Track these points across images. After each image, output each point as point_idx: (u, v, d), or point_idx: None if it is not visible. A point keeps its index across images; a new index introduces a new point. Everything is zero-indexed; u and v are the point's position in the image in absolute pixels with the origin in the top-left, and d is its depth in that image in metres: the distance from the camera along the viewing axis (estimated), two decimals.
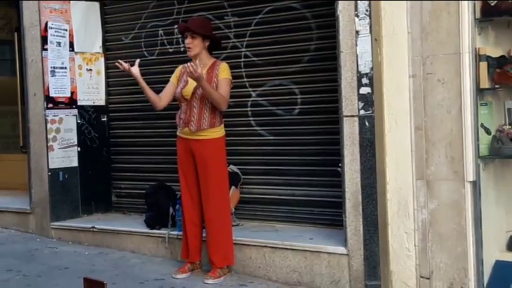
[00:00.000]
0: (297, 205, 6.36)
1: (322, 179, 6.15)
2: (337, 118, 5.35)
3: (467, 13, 4.75)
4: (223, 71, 5.68)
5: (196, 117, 5.63)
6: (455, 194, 4.86)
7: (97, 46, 7.68)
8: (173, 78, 5.91)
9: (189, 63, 5.40)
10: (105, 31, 7.73)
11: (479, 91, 4.79)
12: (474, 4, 4.75)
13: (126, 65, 5.76)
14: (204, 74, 5.62)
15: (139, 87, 7.18)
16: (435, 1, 4.87)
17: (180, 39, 6.74)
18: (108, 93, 7.72)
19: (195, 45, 5.67)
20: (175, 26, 6.74)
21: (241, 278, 5.78)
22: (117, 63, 5.87)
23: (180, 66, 5.91)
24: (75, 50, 7.48)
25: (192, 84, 5.64)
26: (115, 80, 7.71)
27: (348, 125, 5.21)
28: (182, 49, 5.93)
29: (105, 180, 7.76)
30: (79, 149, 7.50)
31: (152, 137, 7.39)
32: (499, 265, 4.95)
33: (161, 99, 5.88)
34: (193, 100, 5.64)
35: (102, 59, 7.71)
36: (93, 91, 7.63)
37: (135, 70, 5.81)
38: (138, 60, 5.87)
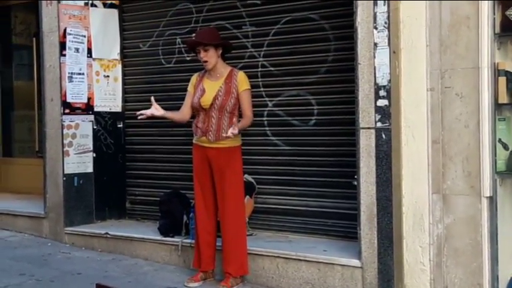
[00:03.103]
0: (311, 216, 6.34)
1: (336, 191, 6.13)
2: (354, 130, 5.33)
3: (486, 27, 4.73)
4: (243, 82, 5.68)
5: (215, 127, 5.62)
6: (472, 209, 4.84)
7: (115, 53, 7.71)
8: (190, 87, 5.89)
9: (229, 133, 5.47)
10: (123, 38, 7.75)
11: (497, 106, 4.77)
12: (494, 19, 4.73)
13: (148, 112, 5.76)
14: (221, 83, 5.63)
15: (156, 95, 7.23)
16: (454, 15, 4.85)
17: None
18: (124, 100, 7.75)
19: (210, 57, 5.67)
20: (193, 35, 6.74)
21: None
22: (139, 116, 5.81)
23: (195, 75, 5.92)
24: (93, 56, 7.51)
25: (210, 93, 5.64)
26: (132, 86, 7.74)
27: (364, 137, 5.19)
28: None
29: (119, 186, 7.77)
30: (94, 154, 7.52)
31: (168, 145, 7.40)
32: None
33: (184, 114, 5.90)
34: (212, 110, 5.63)
35: (119, 66, 7.73)
36: (109, 97, 7.65)
37: (158, 112, 5.77)
38: (153, 98, 5.80)
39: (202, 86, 5.72)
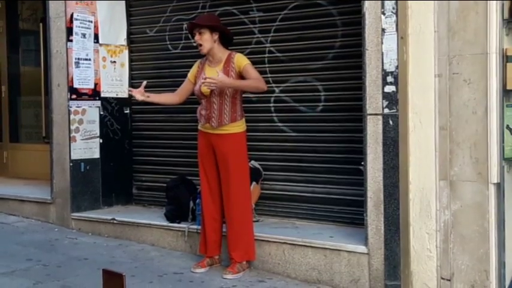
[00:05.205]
0: (317, 202, 6.34)
1: (343, 177, 6.12)
2: (361, 116, 5.31)
3: (495, 13, 4.70)
4: (240, 60, 5.66)
5: (217, 113, 5.62)
6: (479, 196, 4.82)
7: (121, 38, 7.69)
8: (190, 75, 5.92)
9: (207, 80, 5.46)
10: (130, 24, 7.73)
11: (505, 92, 4.75)
12: (502, 4, 4.70)
13: (133, 93, 5.87)
14: (220, 69, 5.62)
15: (163, 81, 7.23)
16: (463, 1, 4.83)
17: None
18: (131, 86, 7.69)
19: (204, 40, 5.67)
20: None
21: (260, 274, 5.78)
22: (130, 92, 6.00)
23: (197, 62, 5.92)
24: (100, 41, 7.50)
25: None
26: (139, 72, 7.72)
27: (371, 123, 5.17)
28: None
29: (126, 172, 7.78)
30: (101, 140, 7.53)
31: (174, 131, 7.39)
32: None
33: (179, 96, 5.98)
34: (213, 96, 5.63)
35: (126, 52, 7.72)
36: (116, 83, 7.65)
37: (140, 96, 5.83)
38: (144, 82, 5.91)
39: (204, 73, 5.71)
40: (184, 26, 7.15)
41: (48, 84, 7.70)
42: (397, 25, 5.03)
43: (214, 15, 6.19)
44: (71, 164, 7.34)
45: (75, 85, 7.32)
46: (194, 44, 6.80)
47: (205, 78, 5.52)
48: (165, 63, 7.45)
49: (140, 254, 6.40)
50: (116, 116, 7.67)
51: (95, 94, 7.48)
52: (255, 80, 5.63)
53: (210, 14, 6.52)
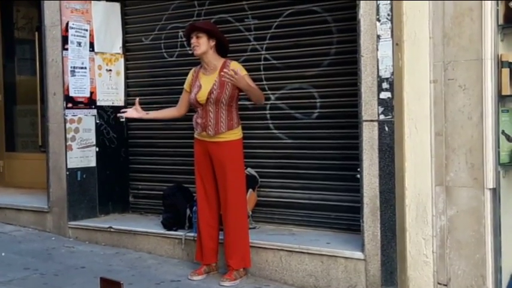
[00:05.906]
0: (314, 209, 6.34)
1: (339, 184, 6.12)
2: (357, 122, 5.33)
3: (490, 19, 4.71)
4: (237, 70, 5.68)
5: (213, 122, 5.62)
6: (475, 201, 4.83)
7: (117, 47, 7.70)
8: (186, 85, 5.93)
9: (225, 71, 5.48)
10: (125, 32, 7.74)
11: (500, 98, 4.75)
12: (497, 10, 4.71)
13: (128, 114, 6.05)
14: (216, 76, 5.63)
15: (158, 89, 7.24)
16: (457, 6, 4.84)
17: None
18: (127, 94, 7.74)
19: (200, 44, 5.67)
20: None
21: (257, 280, 5.78)
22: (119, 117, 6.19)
23: (191, 71, 5.93)
24: (95, 50, 7.51)
25: (205, 89, 5.64)
26: (134, 80, 7.73)
27: (367, 129, 5.19)
28: None
29: (122, 180, 7.77)
30: (97, 149, 7.52)
31: (170, 138, 7.40)
32: None
33: (179, 110, 6.03)
34: (209, 104, 5.63)
35: (122, 60, 7.73)
36: (112, 91, 7.65)
37: (137, 114, 6.01)
38: (137, 99, 6.02)
39: (199, 82, 5.72)
40: (180, 33, 7.16)
41: (44, 93, 7.70)
42: (392, 31, 5.04)
43: (213, 24, 6.20)
44: (68, 173, 7.33)
45: (71, 94, 7.32)
46: (190, 52, 6.83)
47: (224, 75, 5.54)
48: (161, 71, 7.46)
49: (137, 262, 6.40)
50: (112, 124, 7.66)
51: (90, 102, 7.48)
52: (260, 91, 5.72)
53: (209, 21, 6.52)
